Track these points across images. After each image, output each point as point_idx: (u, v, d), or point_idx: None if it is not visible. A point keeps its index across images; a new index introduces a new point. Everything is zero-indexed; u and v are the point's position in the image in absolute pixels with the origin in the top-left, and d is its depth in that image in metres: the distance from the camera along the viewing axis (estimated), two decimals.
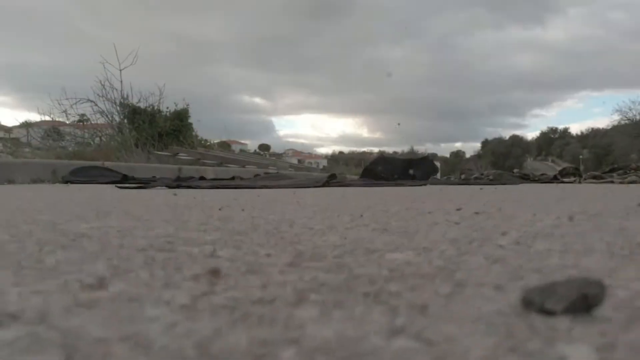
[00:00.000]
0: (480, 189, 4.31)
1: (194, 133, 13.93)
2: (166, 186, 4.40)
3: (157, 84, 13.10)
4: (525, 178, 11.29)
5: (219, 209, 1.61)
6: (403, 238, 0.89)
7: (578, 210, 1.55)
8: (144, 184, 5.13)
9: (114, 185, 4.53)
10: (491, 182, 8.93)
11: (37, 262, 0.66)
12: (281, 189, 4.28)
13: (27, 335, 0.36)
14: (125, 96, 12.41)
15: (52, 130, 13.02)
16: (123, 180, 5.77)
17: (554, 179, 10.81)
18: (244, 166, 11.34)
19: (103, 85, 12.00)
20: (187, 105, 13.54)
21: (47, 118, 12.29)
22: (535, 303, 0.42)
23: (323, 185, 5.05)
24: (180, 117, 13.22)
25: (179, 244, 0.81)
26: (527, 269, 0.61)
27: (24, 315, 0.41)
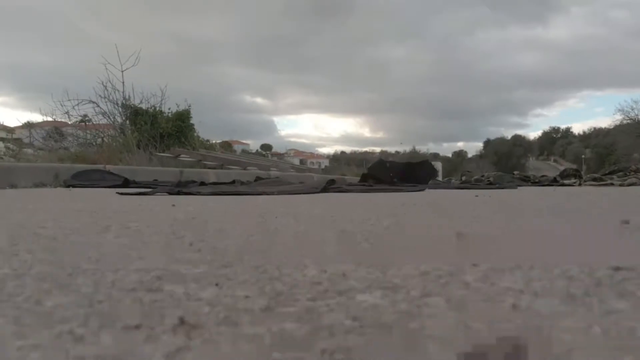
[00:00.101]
0: (476, 196, 4.37)
1: (195, 134, 14.01)
2: (167, 192, 4.46)
3: (159, 85, 13.17)
4: (525, 180, 11.34)
5: (215, 231, 1.67)
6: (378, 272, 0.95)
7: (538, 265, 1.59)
8: (145, 188, 5.20)
9: (115, 191, 4.60)
10: (490, 184, 9.00)
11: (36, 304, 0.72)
12: (280, 194, 4.34)
13: None
14: (127, 97, 12.49)
15: (54, 131, 13.12)
16: (124, 184, 5.86)
17: (554, 182, 10.85)
18: (245, 168, 11.41)
19: (105, 87, 12.08)
20: (189, 106, 13.61)
21: (49, 119, 12.39)
22: None
23: (322, 191, 5.12)
24: (182, 118, 13.30)
25: (167, 280, 0.87)
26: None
27: None
